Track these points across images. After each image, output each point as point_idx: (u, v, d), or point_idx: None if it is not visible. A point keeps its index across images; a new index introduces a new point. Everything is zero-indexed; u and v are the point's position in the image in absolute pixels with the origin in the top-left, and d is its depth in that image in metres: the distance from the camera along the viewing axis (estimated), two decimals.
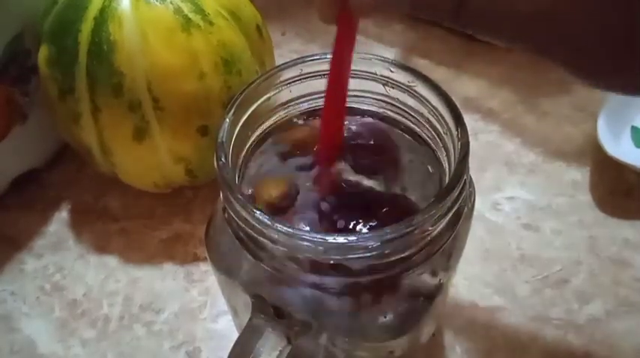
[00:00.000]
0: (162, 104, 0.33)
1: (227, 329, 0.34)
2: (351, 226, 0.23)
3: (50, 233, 0.40)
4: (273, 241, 0.21)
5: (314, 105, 0.27)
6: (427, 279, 0.24)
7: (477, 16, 0.16)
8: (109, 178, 0.38)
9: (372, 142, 0.27)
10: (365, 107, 0.27)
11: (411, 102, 0.26)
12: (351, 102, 0.26)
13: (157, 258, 0.38)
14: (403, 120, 0.27)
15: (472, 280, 0.36)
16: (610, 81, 0.17)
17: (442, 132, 0.24)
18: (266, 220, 0.20)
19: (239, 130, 0.24)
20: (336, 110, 0.24)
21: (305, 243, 0.20)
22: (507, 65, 0.48)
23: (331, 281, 0.22)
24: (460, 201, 0.22)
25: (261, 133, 0.27)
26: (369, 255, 0.20)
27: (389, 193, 0.25)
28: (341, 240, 0.20)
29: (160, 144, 0.34)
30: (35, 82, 0.36)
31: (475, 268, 0.36)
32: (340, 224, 0.23)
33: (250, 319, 0.23)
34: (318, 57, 0.25)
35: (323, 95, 0.25)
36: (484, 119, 0.45)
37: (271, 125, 0.27)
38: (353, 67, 0.24)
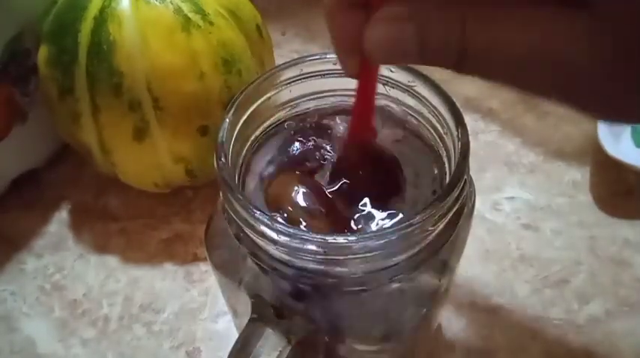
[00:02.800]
0: (162, 104, 0.33)
1: (227, 329, 0.34)
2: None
3: (50, 233, 0.40)
4: (273, 241, 0.21)
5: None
6: (427, 279, 0.24)
7: (477, 66, 0.18)
8: (109, 178, 0.38)
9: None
10: None
11: (411, 102, 0.26)
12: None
13: (157, 258, 0.38)
14: (404, 119, 0.27)
15: (472, 280, 0.36)
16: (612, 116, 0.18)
17: (442, 133, 0.24)
18: (266, 220, 0.20)
19: (239, 130, 0.24)
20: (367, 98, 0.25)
21: (305, 244, 0.20)
22: None
23: (331, 281, 0.22)
24: (460, 201, 0.22)
25: (261, 133, 0.27)
26: (369, 255, 0.20)
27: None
28: (341, 240, 0.20)
29: (160, 144, 0.34)
30: (35, 82, 0.36)
31: (475, 268, 0.36)
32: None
33: (250, 319, 0.23)
34: (318, 57, 0.25)
35: (321, 96, 0.26)
36: (484, 119, 0.45)
37: (271, 125, 0.27)
38: None
